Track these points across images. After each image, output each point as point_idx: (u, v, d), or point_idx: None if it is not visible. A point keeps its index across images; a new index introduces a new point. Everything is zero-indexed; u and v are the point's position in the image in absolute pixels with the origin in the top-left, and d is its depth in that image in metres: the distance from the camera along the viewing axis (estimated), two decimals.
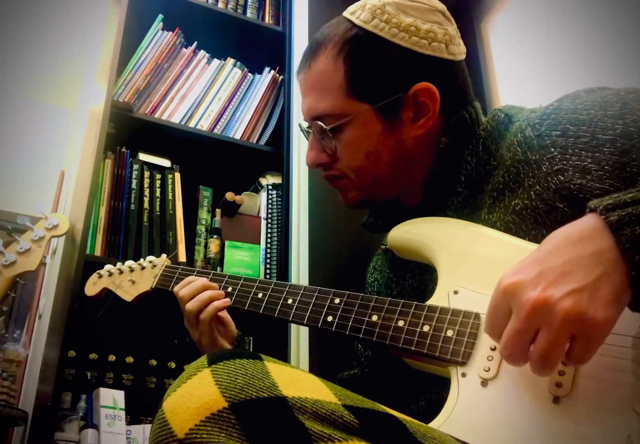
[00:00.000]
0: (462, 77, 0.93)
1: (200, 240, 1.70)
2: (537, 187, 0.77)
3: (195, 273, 1.06)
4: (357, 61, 0.89)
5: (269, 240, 1.74)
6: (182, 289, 1.02)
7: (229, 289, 1.00)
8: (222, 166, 1.84)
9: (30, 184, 3.17)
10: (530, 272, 0.59)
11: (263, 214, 1.78)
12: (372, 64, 0.89)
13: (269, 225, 1.77)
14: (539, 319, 0.56)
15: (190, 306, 0.99)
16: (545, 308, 0.56)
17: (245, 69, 1.93)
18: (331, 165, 0.94)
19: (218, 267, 1.65)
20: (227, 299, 0.99)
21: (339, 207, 1.01)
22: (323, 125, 0.90)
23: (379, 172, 0.91)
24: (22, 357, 1.96)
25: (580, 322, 0.55)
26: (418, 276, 0.93)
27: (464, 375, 0.70)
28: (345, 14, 0.93)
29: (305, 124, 0.97)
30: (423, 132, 0.89)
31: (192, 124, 1.77)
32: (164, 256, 1.17)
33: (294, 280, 1.62)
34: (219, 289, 1.01)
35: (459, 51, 0.92)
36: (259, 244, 1.73)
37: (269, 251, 1.72)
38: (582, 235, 0.59)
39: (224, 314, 1.04)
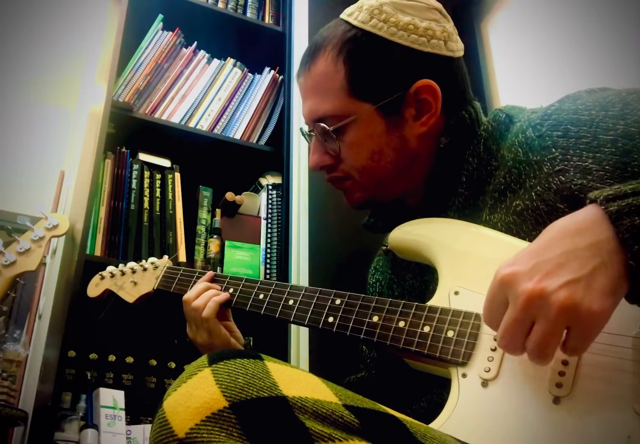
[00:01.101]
0: (461, 74, 0.93)
1: (200, 240, 1.70)
2: (538, 187, 0.77)
3: (196, 274, 1.06)
4: (357, 61, 0.89)
5: (269, 240, 1.74)
6: (188, 293, 1.02)
7: (231, 291, 1.00)
8: (222, 166, 1.84)
9: (30, 184, 3.17)
10: (526, 263, 0.59)
11: (263, 214, 1.78)
12: (372, 64, 0.89)
13: (269, 225, 1.77)
14: (534, 310, 0.57)
15: (197, 303, 0.98)
16: (540, 299, 0.56)
17: (245, 69, 1.93)
18: (335, 167, 0.94)
19: (218, 268, 1.65)
20: (227, 294, 0.99)
21: (339, 207, 1.01)
22: (326, 126, 0.90)
23: (383, 172, 0.91)
24: (22, 357, 1.96)
25: (576, 313, 0.55)
26: (419, 276, 0.93)
27: (464, 376, 0.70)
28: (343, 16, 0.93)
29: (306, 128, 0.97)
30: (426, 129, 0.90)
31: (192, 124, 1.77)
32: (165, 257, 1.18)
33: (294, 280, 1.62)
34: (221, 290, 1.01)
35: (458, 48, 0.92)
36: (259, 244, 1.73)
37: (269, 251, 1.72)
38: (580, 226, 0.60)
39: (232, 325, 1.04)
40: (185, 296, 1.01)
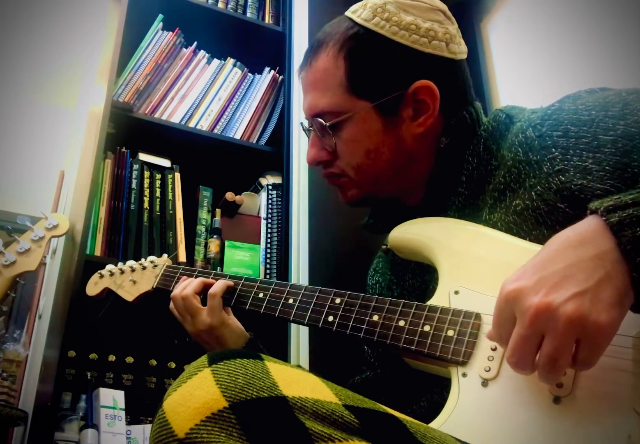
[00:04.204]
0: (462, 76, 0.93)
1: (200, 240, 1.70)
2: (538, 187, 0.77)
3: (196, 273, 1.06)
4: (357, 58, 0.89)
5: (269, 240, 1.74)
6: (174, 291, 1.03)
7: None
8: (222, 166, 1.84)
9: (30, 184, 3.17)
10: (531, 277, 0.58)
11: (263, 214, 1.78)
12: (372, 62, 0.89)
13: (269, 225, 1.77)
14: (542, 324, 0.56)
15: (187, 291, 1.00)
16: (547, 313, 0.56)
17: (245, 69, 1.93)
18: (331, 163, 0.94)
19: (218, 267, 1.65)
20: (231, 281, 1.00)
21: (339, 207, 1.01)
22: (323, 121, 0.90)
23: (379, 170, 0.91)
24: (22, 357, 1.96)
25: (584, 325, 0.55)
26: (419, 276, 0.93)
27: (464, 375, 0.70)
28: (347, 13, 0.94)
29: (306, 123, 0.97)
30: (423, 130, 0.89)
31: (192, 124, 1.77)
32: (165, 256, 1.17)
33: (294, 280, 1.62)
34: None
35: (460, 50, 0.92)
36: (259, 244, 1.73)
37: (269, 251, 1.72)
38: (583, 238, 0.59)
39: (233, 320, 1.04)
40: (173, 293, 1.02)
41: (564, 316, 0.55)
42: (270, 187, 1.81)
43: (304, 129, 1.00)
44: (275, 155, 1.82)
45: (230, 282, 1.00)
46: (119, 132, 1.66)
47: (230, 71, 1.90)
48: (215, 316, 0.98)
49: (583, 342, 0.56)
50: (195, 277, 1.05)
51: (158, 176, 1.69)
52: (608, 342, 0.56)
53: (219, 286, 0.99)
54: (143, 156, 1.71)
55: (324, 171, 0.96)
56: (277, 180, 1.82)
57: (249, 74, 1.93)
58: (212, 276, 1.04)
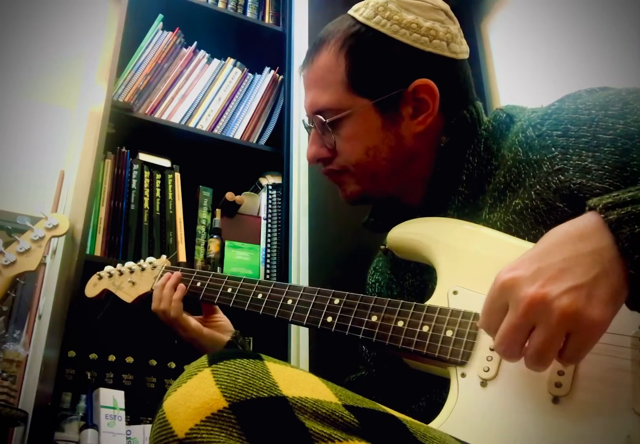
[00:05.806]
0: (463, 76, 0.93)
1: (200, 240, 1.70)
2: (538, 186, 0.77)
3: (195, 274, 1.07)
4: (358, 56, 0.89)
5: (269, 240, 1.74)
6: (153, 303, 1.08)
7: (229, 290, 1.00)
8: (222, 166, 1.84)
9: (30, 184, 3.17)
10: (528, 268, 0.58)
11: (263, 214, 1.78)
12: (372, 60, 0.89)
13: (269, 225, 1.77)
14: (535, 315, 0.56)
15: (162, 307, 1.06)
16: (542, 305, 0.56)
17: (245, 69, 1.93)
18: (331, 160, 0.94)
19: (218, 268, 1.65)
20: (182, 286, 1.06)
21: (339, 207, 1.01)
22: (323, 119, 0.90)
23: (378, 168, 0.92)
24: (22, 357, 1.96)
25: (577, 320, 0.55)
26: (418, 275, 0.93)
27: (463, 375, 0.70)
28: (350, 11, 0.94)
29: (308, 121, 0.98)
30: (423, 129, 0.90)
31: (192, 124, 1.77)
32: (163, 257, 1.17)
33: (294, 280, 1.62)
34: (219, 289, 1.02)
35: (461, 50, 0.92)
36: (259, 244, 1.73)
37: (269, 251, 1.72)
38: (581, 233, 0.59)
39: (217, 317, 1.09)
40: (153, 308, 1.07)
41: (559, 309, 0.55)
42: (270, 187, 1.81)
43: (305, 127, 1.01)
44: (275, 155, 1.82)
45: (178, 296, 1.05)
46: (119, 132, 1.66)
47: (230, 71, 1.90)
48: (191, 331, 1.05)
49: (573, 336, 0.56)
50: (194, 278, 1.06)
51: (158, 176, 1.69)
52: (597, 338, 0.56)
53: (175, 308, 1.05)
54: (143, 156, 1.71)
55: (323, 168, 0.97)
56: (277, 180, 1.82)
57: (249, 74, 1.93)
58: (210, 277, 1.04)
